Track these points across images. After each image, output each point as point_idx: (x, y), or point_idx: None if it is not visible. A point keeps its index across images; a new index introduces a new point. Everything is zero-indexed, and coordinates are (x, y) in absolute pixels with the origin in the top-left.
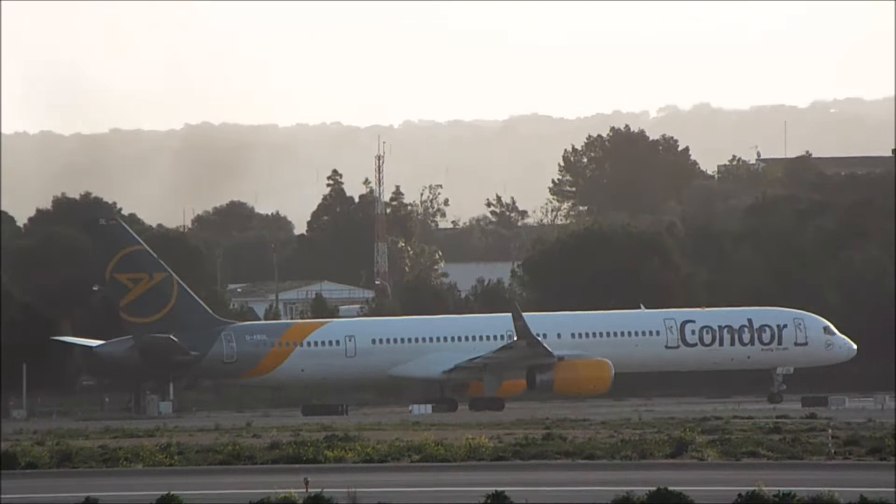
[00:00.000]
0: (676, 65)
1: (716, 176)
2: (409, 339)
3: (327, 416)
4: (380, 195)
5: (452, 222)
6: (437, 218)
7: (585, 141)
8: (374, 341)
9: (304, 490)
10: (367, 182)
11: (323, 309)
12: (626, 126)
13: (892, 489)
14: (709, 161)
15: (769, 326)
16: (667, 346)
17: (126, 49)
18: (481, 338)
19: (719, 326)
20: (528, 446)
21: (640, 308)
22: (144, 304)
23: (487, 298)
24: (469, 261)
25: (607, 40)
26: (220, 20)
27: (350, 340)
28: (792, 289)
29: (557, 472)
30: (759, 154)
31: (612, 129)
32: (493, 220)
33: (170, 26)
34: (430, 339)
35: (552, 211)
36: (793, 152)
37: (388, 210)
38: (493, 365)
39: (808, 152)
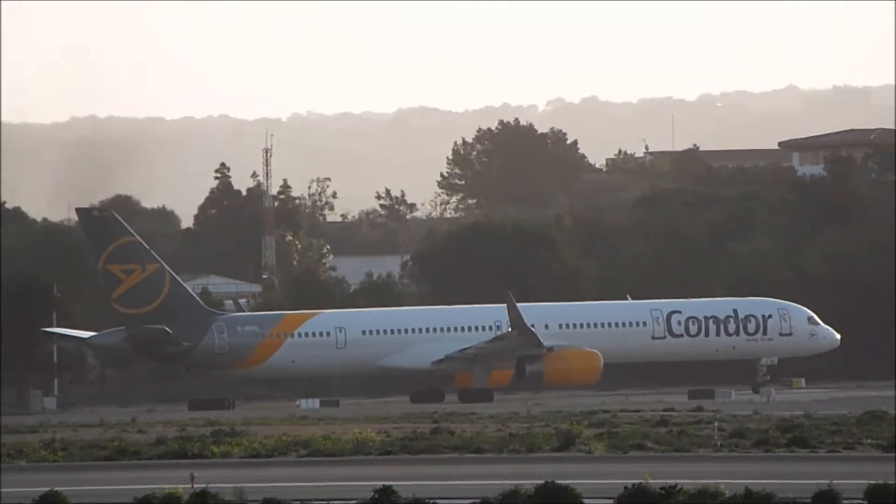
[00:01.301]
0: (565, 58)
1: (604, 169)
2: (399, 330)
3: (214, 411)
4: (267, 189)
5: (341, 216)
6: (326, 211)
7: (475, 134)
8: (364, 332)
9: (190, 486)
10: (254, 175)
11: (209, 303)
12: (515, 119)
13: (778, 481)
14: (597, 154)
15: (754, 317)
16: (653, 337)
17: (12, 41)
18: (471, 328)
19: (705, 317)
20: (416, 440)
21: (626, 299)
22: (137, 295)
23: (376, 292)
24: (358, 254)
25: (496, 33)
26: (106, 12)
27: (340, 332)
28: (680, 281)
29: (445, 467)
30: (646, 147)
31: (501, 122)
32: (383, 213)
33: (57, 17)
34: (420, 331)
35: (441, 204)
36: (680, 145)
37: (276, 203)
38: (484, 355)
39: (695, 145)
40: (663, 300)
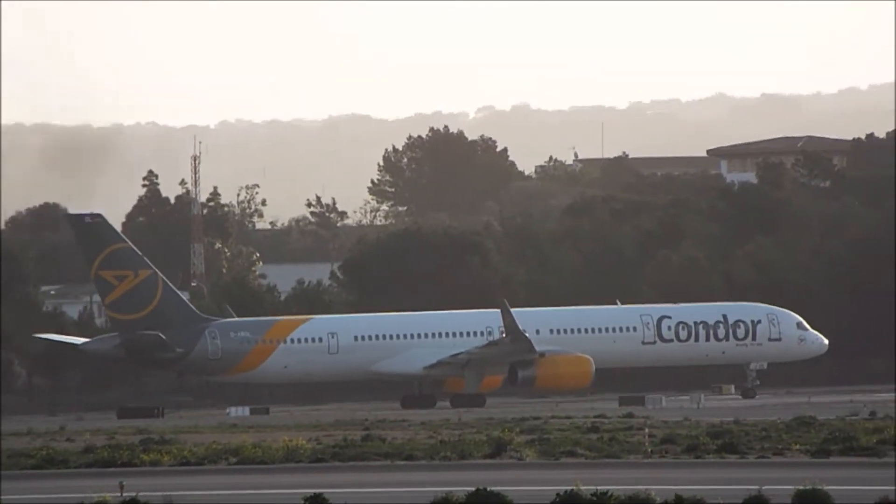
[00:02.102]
0: (495, 65)
1: (534, 176)
2: (391, 336)
3: (143, 420)
4: (196, 196)
5: (271, 223)
6: (255, 219)
7: (405, 141)
8: (356, 338)
9: (119, 494)
10: (183, 183)
11: None
12: (446, 127)
13: (708, 487)
14: (527, 161)
15: (743, 322)
16: (643, 342)
17: None
18: (462, 334)
19: (695, 322)
20: (347, 448)
21: (615, 304)
22: (129, 301)
23: (307, 299)
24: (288, 262)
25: (426, 40)
26: (31, 17)
27: (332, 337)
28: (610, 288)
29: (377, 474)
30: (576, 154)
31: (432, 129)
32: (313, 220)
33: None
34: (412, 336)
35: (372, 211)
36: (610, 153)
37: (205, 211)
38: (476, 361)
39: (624, 153)
40: (653, 305)
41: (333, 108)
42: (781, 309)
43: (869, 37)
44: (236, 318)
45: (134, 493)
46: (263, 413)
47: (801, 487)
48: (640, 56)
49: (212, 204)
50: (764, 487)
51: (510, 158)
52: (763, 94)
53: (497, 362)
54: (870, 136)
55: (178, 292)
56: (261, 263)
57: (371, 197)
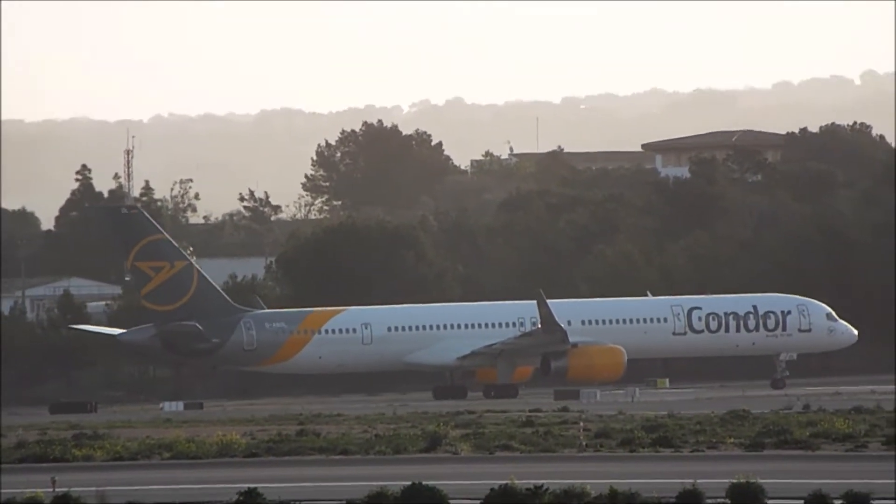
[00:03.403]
0: (430, 59)
1: (469, 171)
2: (424, 327)
3: (76, 415)
4: (129, 190)
5: (204, 217)
6: (189, 213)
7: (338, 136)
8: (389, 329)
9: (52, 489)
10: (116, 177)
11: (71, 305)
12: (380, 121)
13: (642, 481)
14: (462, 156)
15: (773, 313)
16: (674, 333)
17: None
18: (495, 325)
19: (725, 313)
20: (282, 442)
21: (646, 295)
22: (165, 292)
23: (240, 293)
24: (222, 256)
25: (359, 34)
26: None
27: (366, 328)
28: (545, 282)
29: (311, 468)
30: (511, 149)
31: (365, 123)
32: (246, 215)
33: None
34: (445, 327)
35: (306, 206)
36: (545, 147)
37: (139, 205)
38: (509, 351)
39: (559, 147)
40: (684, 296)
41: (266, 103)
42: (811, 300)
43: (802, 32)
44: (270, 310)
45: (66, 489)
46: (197, 408)
47: (735, 481)
48: (575, 51)
49: (145, 198)
50: (698, 481)
51: (445, 153)
52: (697, 88)
53: (530, 353)
54: (802, 130)
55: (213, 283)
56: (194, 258)
57: (305, 191)
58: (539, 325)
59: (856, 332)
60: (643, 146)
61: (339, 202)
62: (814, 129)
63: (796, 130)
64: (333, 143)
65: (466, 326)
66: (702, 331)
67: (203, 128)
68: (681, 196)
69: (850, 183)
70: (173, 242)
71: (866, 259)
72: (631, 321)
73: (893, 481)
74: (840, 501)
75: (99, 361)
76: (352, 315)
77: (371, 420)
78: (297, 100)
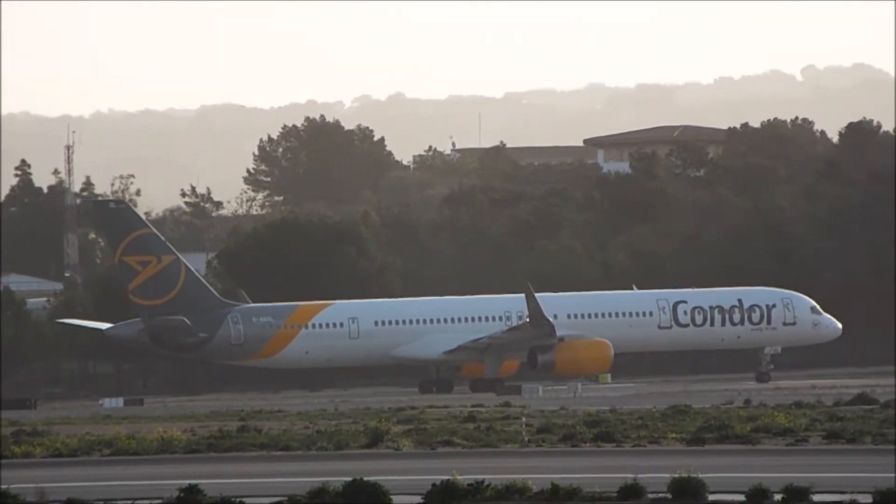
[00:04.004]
0: (371, 55)
1: (412, 166)
2: (411, 321)
3: (15, 411)
4: (69, 186)
5: (145, 213)
6: None
7: (280, 131)
8: (376, 323)
9: None
10: (56, 173)
11: (11, 301)
12: (321, 116)
13: (584, 475)
14: (405, 151)
15: (759, 306)
16: (660, 327)
17: None
18: (482, 319)
19: (710, 307)
20: (223, 439)
21: (632, 289)
22: (153, 286)
23: None
24: None
25: (301, 29)
26: None
27: (353, 322)
28: (488, 278)
29: (253, 465)
30: (454, 144)
31: (307, 118)
32: (188, 210)
33: None
34: (432, 321)
35: (248, 201)
36: (487, 143)
37: (79, 201)
38: (496, 346)
39: (502, 142)
40: (669, 290)
41: (207, 98)
42: (796, 293)
43: (743, 28)
44: (258, 304)
45: (6, 486)
46: (137, 404)
47: (676, 475)
48: (516, 47)
49: (85, 194)
50: (640, 476)
51: (387, 148)
52: (639, 84)
53: (517, 347)
54: (744, 125)
55: (200, 276)
56: None
57: (247, 187)
58: (527, 320)
59: (840, 325)
60: (585, 141)
61: (281, 197)
62: (755, 124)
63: (738, 125)
64: (275, 138)
65: (453, 321)
66: (687, 324)
67: (143, 123)
68: (623, 191)
69: (791, 178)
70: (160, 237)
71: (807, 253)
72: (616, 315)
73: (894, 475)
74: (780, 495)
75: (38, 357)
76: (339, 309)
77: (312, 416)
78: (238, 95)
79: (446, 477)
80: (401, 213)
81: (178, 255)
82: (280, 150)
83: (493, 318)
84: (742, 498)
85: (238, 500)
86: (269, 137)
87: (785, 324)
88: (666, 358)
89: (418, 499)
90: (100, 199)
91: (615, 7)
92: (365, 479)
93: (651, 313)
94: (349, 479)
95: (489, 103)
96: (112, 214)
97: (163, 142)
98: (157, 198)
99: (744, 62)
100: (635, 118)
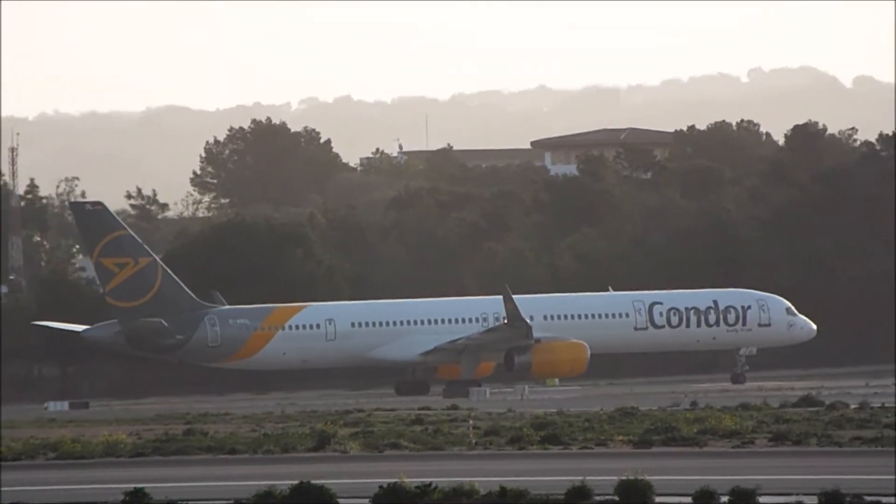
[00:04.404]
0: (317, 56)
1: (359, 168)
2: (388, 323)
3: None
4: (14, 188)
5: None
6: None
7: (226, 133)
8: (353, 324)
9: None
10: None
11: None
12: (268, 118)
13: (531, 478)
14: (351, 154)
15: (734, 308)
16: (635, 328)
17: None
18: (458, 321)
19: (686, 308)
20: (169, 442)
21: (608, 290)
22: (129, 288)
23: None
24: None
25: (247, 31)
26: None
27: (330, 323)
28: (435, 280)
29: (199, 468)
30: (400, 147)
31: (254, 121)
32: (133, 212)
33: None
34: (408, 323)
35: (194, 203)
36: (434, 145)
37: (23, 203)
38: (473, 347)
39: (449, 145)
40: (645, 292)
41: (152, 100)
42: (771, 295)
43: (689, 30)
44: (234, 306)
45: None
46: (83, 408)
47: (623, 478)
48: (462, 48)
49: (30, 196)
50: (587, 478)
51: (334, 150)
52: (585, 86)
53: (494, 348)
54: (690, 127)
55: (178, 280)
56: (80, 256)
57: (193, 189)
58: (504, 321)
59: (815, 326)
60: (532, 144)
61: (227, 199)
62: (701, 126)
63: (684, 128)
64: (221, 140)
65: (430, 322)
66: (663, 326)
67: (88, 125)
68: (570, 193)
69: (737, 180)
70: (137, 239)
71: (754, 255)
72: (592, 316)
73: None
74: (727, 497)
75: None
76: (316, 311)
77: (259, 419)
78: (184, 97)
79: (393, 480)
80: (347, 215)
81: (155, 256)
82: (226, 152)
83: (470, 320)
84: (688, 500)
85: (184, 503)
86: (216, 139)
87: (760, 325)
88: (641, 359)
89: (365, 502)
90: (76, 200)
91: (562, 9)
92: (312, 482)
93: (627, 315)
94: (296, 482)
95: (436, 105)
96: (89, 216)
97: (108, 143)
98: (102, 200)
99: (690, 64)
100: (582, 120)
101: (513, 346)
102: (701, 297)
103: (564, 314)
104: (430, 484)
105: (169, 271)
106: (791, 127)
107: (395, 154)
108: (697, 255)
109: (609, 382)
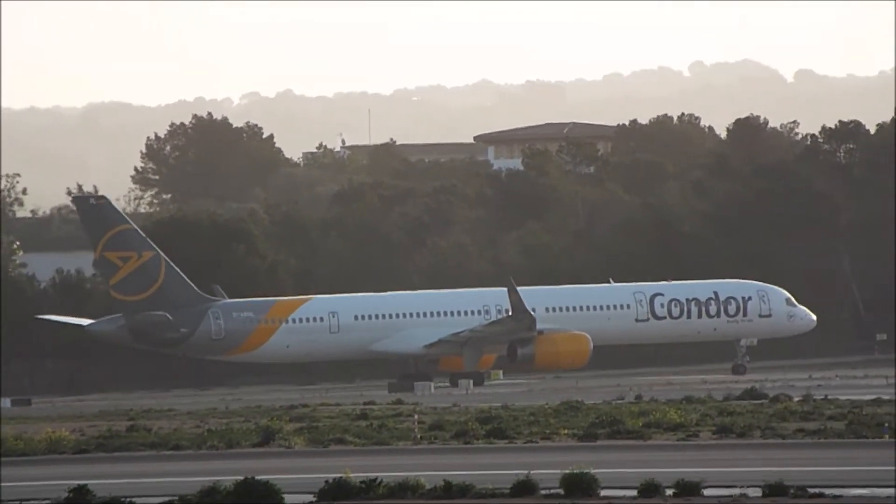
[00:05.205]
0: (259, 52)
1: (301, 163)
2: (390, 315)
3: None
4: None
5: (32, 211)
6: (15, 207)
7: (168, 129)
8: (356, 317)
9: None
10: None
11: None
12: (209, 113)
13: (477, 472)
14: (294, 148)
15: (734, 298)
16: (637, 320)
17: None
18: (461, 313)
19: (687, 299)
20: (112, 438)
21: (609, 282)
22: (133, 282)
23: (67, 288)
24: (50, 250)
25: (187, 26)
26: None
27: (333, 316)
28: (379, 275)
29: (143, 464)
30: (343, 141)
31: (195, 116)
32: (75, 208)
33: None
34: (411, 315)
35: (135, 199)
36: (377, 140)
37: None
38: (476, 339)
39: (392, 139)
40: (646, 283)
41: (94, 96)
42: (771, 286)
43: (632, 25)
44: (238, 299)
45: None
46: (25, 404)
47: (568, 471)
48: (405, 42)
49: None
50: (532, 472)
51: (277, 145)
52: (528, 80)
53: (497, 341)
54: (633, 122)
55: (181, 273)
56: (21, 252)
57: (135, 185)
58: (507, 313)
59: (814, 317)
60: (475, 138)
61: (169, 195)
62: (644, 120)
63: (626, 122)
64: (163, 136)
65: (432, 314)
66: (664, 317)
67: (29, 121)
68: (513, 188)
69: (680, 174)
70: (140, 233)
71: (696, 248)
72: (594, 308)
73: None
74: (672, 490)
75: None
76: (319, 304)
77: (203, 415)
78: (125, 93)
79: (339, 475)
80: (290, 210)
81: (159, 251)
82: (168, 147)
83: (472, 313)
84: (634, 493)
85: (128, 500)
86: (157, 135)
87: (761, 316)
88: (642, 350)
89: (310, 497)
90: (80, 195)
91: (504, 5)
92: (256, 477)
93: (628, 306)
94: (240, 477)
95: (379, 100)
96: (92, 210)
97: (49, 140)
98: (44, 196)
99: (632, 59)
100: (525, 115)
101: (516, 338)
102: (702, 288)
103: (566, 306)
104: (375, 479)
105: (172, 265)
106: (733, 121)
107: (337, 149)
108: (641, 249)
109: (555, 376)
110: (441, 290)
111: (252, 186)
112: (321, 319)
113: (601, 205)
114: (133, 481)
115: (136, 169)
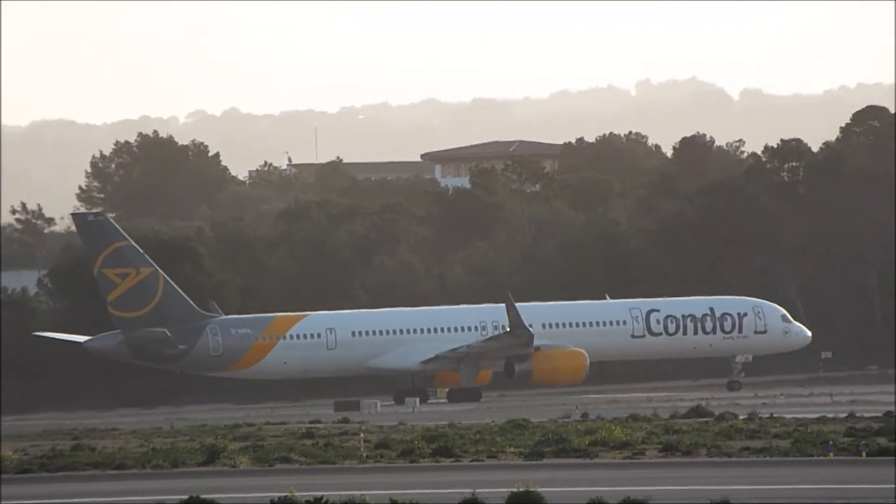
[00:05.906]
0: (204, 70)
1: (248, 181)
2: (387, 331)
3: None
4: None
5: None
6: None
7: (113, 146)
8: (353, 334)
9: None
10: None
11: None
12: (155, 132)
13: (423, 491)
14: (240, 167)
15: (730, 315)
16: (633, 336)
17: None
18: (458, 329)
19: (683, 315)
20: (56, 458)
21: (605, 298)
22: (131, 298)
23: (11, 307)
24: None
25: (133, 43)
26: None
27: (331, 333)
28: (325, 293)
29: (86, 484)
30: (290, 160)
31: (140, 134)
32: (18, 227)
33: None
34: (408, 331)
35: None
36: (324, 158)
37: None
38: (474, 355)
39: (338, 158)
40: (642, 299)
41: (38, 113)
42: (766, 302)
43: (578, 43)
44: (235, 316)
45: None
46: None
47: (514, 490)
48: (350, 61)
49: None
50: (478, 490)
51: (223, 164)
52: (474, 98)
53: (494, 357)
54: (579, 140)
55: (179, 290)
56: None
57: (80, 203)
58: (504, 329)
59: (809, 333)
60: (422, 156)
61: (114, 214)
62: (590, 138)
63: (573, 140)
64: (108, 154)
65: (429, 331)
66: (660, 333)
67: None
68: (460, 206)
69: (626, 192)
70: (139, 249)
71: (643, 266)
72: (590, 324)
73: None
74: None
75: None
76: (316, 320)
77: (147, 434)
78: (70, 110)
79: (284, 494)
80: (236, 228)
81: (157, 267)
82: (113, 165)
83: (470, 329)
84: None
85: None
86: (102, 153)
87: (756, 332)
88: (633, 366)
89: None
90: (78, 211)
91: (448, 22)
92: (201, 496)
93: (624, 322)
94: (185, 497)
95: (324, 118)
96: (90, 227)
97: None
98: None
99: (579, 77)
100: (472, 133)
101: (513, 355)
102: (697, 304)
103: (563, 322)
104: (321, 497)
105: (170, 281)
106: (679, 139)
107: (284, 167)
108: (587, 267)
109: (500, 394)
110: (438, 307)
111: (198, 205)
112: (318, 336)
113: (547, 223)
114: (77, 501)
115: (80, 187)
